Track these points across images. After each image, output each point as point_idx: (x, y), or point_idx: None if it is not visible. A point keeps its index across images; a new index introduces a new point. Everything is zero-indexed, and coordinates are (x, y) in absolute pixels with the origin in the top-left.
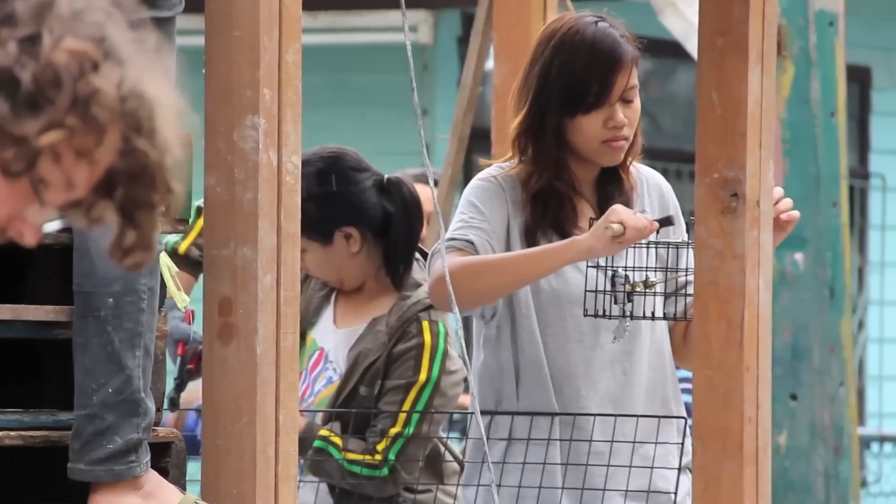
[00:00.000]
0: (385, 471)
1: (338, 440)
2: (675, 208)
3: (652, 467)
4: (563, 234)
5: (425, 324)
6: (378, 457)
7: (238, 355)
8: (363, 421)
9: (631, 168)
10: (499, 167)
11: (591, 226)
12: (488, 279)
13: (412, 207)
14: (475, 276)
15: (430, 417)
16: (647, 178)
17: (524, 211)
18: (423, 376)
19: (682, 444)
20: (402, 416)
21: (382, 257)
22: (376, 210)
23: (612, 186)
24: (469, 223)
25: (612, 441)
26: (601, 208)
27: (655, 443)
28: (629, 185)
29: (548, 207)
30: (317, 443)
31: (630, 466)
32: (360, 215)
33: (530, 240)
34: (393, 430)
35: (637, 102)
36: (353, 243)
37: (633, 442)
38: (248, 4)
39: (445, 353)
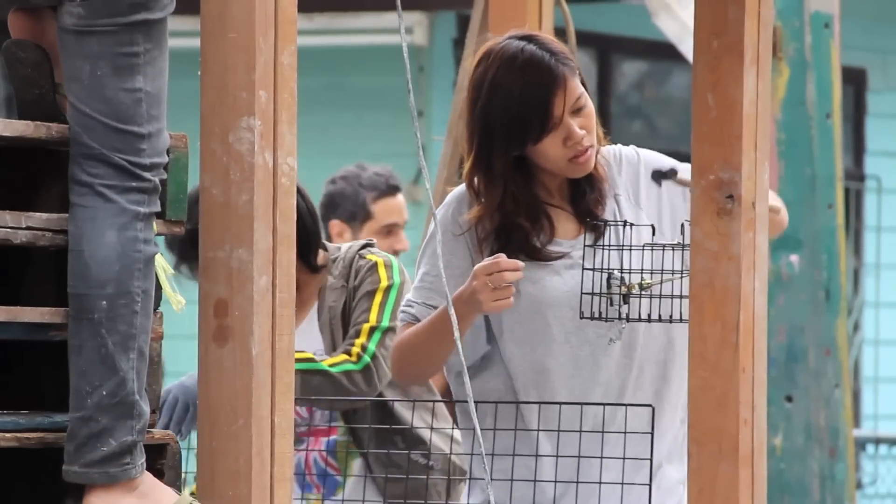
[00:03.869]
0: (367, 358)
1: (309, 355)
2: (647, 167)
3: (623, 458)
4: (536, 259)
5: (370, 255)
6: (356, 349)
7: (234, 357)
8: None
9: (598, 157)
10: (459, 199)
11: (585, 229)
12: (420, 360)
13: (305, 194)
14: (410, 361)
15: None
16: (612, 160)
17: (484, 252)
18: (384, 282)
19: (652, 433)
20: (375, 311)
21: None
22: None
23: (583, 183)
24: (420, 285)
25: (608, 433)
26: (576, 208)
27: (624, 432)
28: (600, 177)
29: (510, 241)
30: (297, 366)
31: (601, 457)
32: None
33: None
34: (367, 325)
35: (588, 106)
36: None
37: (626, 432)
38: (243, 6)
39: (402, 268)
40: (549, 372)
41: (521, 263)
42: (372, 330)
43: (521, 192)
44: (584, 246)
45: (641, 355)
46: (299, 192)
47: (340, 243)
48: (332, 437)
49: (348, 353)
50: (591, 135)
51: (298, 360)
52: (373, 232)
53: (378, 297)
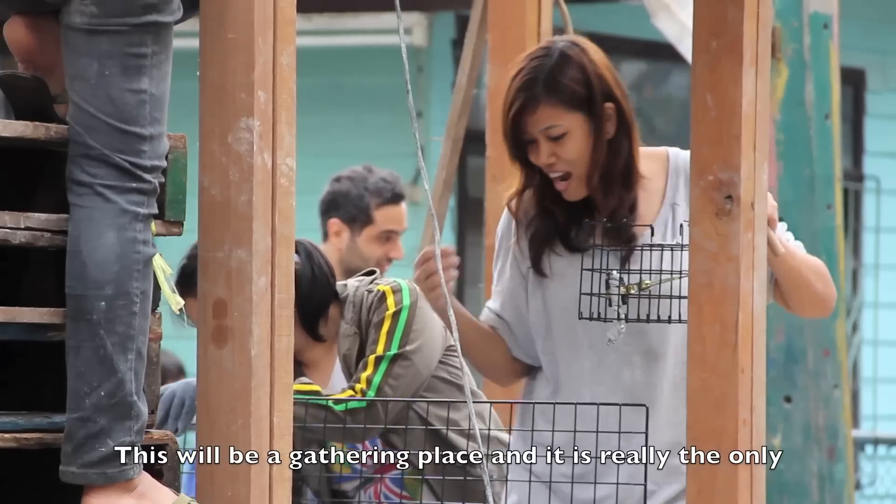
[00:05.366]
0: (371, 393)
1: (316, 388)
2: None
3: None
4: (571, 248)
5: (378, 287)
6: (360, 385)
7: (233, 357)
8: None
9: (642, 168)
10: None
11: (593, 228)
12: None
13: (317, 261)
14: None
15: (414, 339)
16: (682, 166)
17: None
18: (392, 309)
19: (647, 432)
20: (382, 341)
21: (298, 316)
22: None
23: (616, 190)
24: (494, 286)
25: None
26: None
27: (619, 432)
28: (636, 185)
29: (542, 226)
30: (302, 398)
31: (599, 458)
32: None
33: (536, 256)
34: (373, 357)
35: (568, 143)
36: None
37: (621, 432)
38: (242, 7)
39: (412, 288)
40: (572, 374)
41: (451, 253)
42: (378, 360)
43: (541, 186)
44: (588, 247)
45: (658, 351)
46: (316, 254)
47: (351, 278)
48: (395, 474)
49: (353, 388)
50: (565, 162)
51: (305, 393)
52: (370, 237)
53: (385, 326)
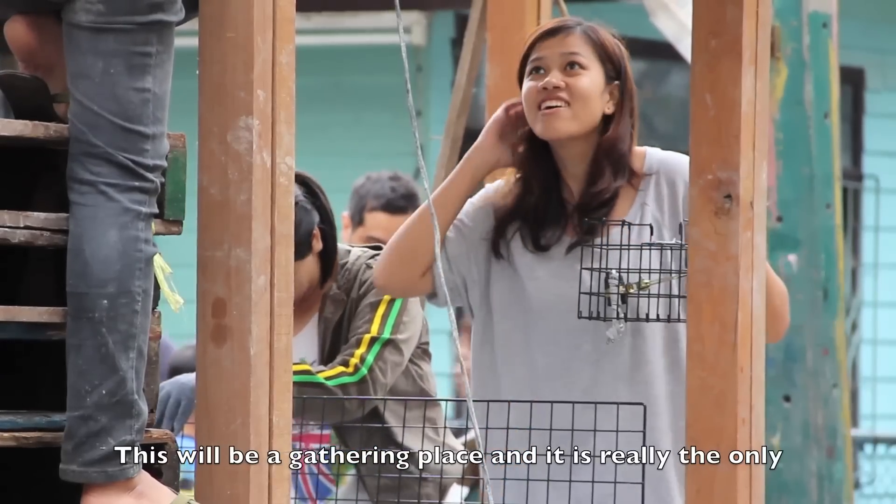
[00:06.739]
0: (364, 370)
1: (306, 366)
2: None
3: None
4: (541, 227)
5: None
6: (354, 360)
7: (232, 356)
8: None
9: (634, 159)
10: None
11: (579, 223)
12: (410, 230)
13: (325, 195)
14: (402, 235)
15: (404, 329)
16: (660, 170)
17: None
18: (388, 296)
19: (644, 431)
20: (377, 322)
21: (323, 248)
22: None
23: (599, 184)
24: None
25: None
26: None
27: (616, 431)
28: (611, 182)
29: (519, 202)
30: (293, 377)
31: (597, 457)
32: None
33: (500, 230)
34: (367, 336)
35: (584, 77)
36: (317, 241)
37: (618, 431)
38: (241, 5)
39: None
40: (536, 369)
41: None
42: (372, 340)
43: (538, 169)
44: (583, 246)
45: (636, 351)
46: (322, 194)
47: (345, 242)
48: (325, 445)
49: (345, 363)
50: (571, 95)
51: (295, 372)
52: (361, 238)
53: (381, 309)
